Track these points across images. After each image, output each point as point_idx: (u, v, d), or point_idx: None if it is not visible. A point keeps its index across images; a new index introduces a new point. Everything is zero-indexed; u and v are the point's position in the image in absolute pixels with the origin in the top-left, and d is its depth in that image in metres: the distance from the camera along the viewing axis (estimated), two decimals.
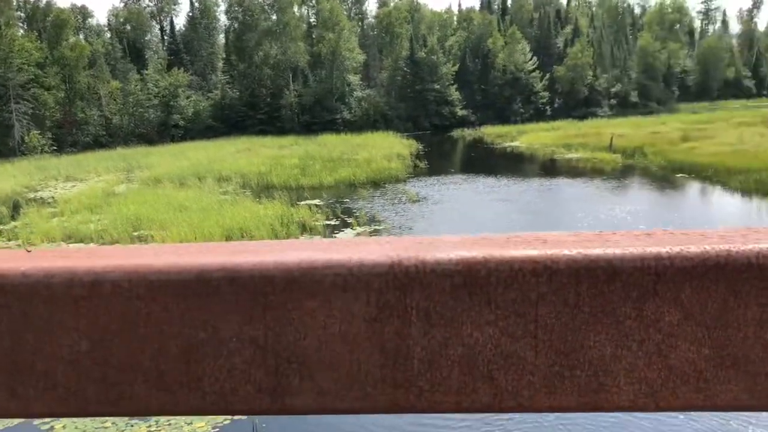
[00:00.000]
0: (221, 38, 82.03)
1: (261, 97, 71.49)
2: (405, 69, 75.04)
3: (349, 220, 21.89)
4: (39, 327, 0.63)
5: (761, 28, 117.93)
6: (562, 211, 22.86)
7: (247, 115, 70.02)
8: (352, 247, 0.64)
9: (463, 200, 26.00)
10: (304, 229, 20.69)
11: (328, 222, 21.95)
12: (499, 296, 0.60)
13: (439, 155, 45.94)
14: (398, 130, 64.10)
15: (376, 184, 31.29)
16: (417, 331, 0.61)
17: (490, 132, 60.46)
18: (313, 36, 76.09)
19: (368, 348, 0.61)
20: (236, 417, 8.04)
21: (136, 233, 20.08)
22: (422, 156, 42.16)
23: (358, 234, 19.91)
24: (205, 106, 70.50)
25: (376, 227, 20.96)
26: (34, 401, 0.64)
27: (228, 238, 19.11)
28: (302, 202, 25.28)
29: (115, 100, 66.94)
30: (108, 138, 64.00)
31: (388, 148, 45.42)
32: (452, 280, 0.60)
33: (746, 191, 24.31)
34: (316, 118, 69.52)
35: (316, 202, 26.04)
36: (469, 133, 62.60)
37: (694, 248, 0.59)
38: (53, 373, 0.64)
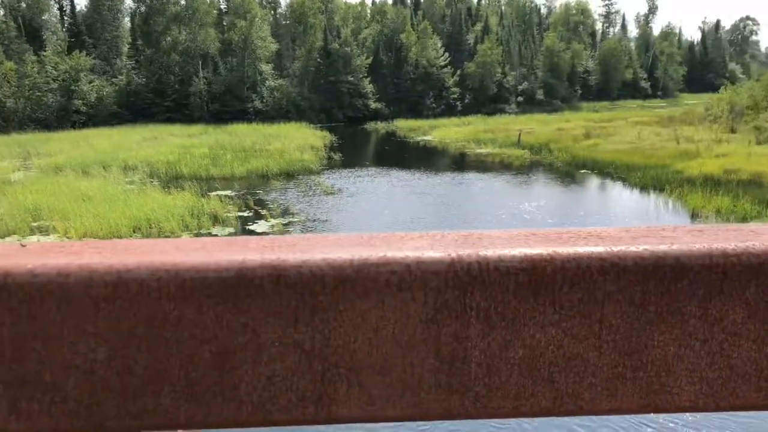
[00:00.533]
0: (126, 21, 78.61)
1: (169, 83, 69.10)
2: (318, 60, 74.47)
3: (263, 212, 21.57)
4: (48, 332, 0.56)
5: (656, 32, 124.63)
6: (474, 204, 23.40)
7: (154, 102, 67.53)
8: (407, 243, 0.60)
9: (378, 193, 26.14)
10: (216, 220, 20.21)
11: (240, 213, 21.54)
12: (564, 296, 0.57)
13: (353, 148, 45.98)
14: (311, 122, 63.57)
15: (290, 175, 30.99)
16: (476, 332, 0.57)
17: (403, 125, 60.99)
18: (224, 23, 74.20)
19: (423, 351, 0.58)
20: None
21: (35, 223, 19.01)
22: (336, 148, 42.05)
23: (272, 226, 19.66)
24: (109, 92, 67.42)
25: (291, 219, 20.76)
26: (39, 416, 0.57)
27: (135, 230, 18.41)
28: (213, 193, 24.68)
29: (9, 82, 62.91)
30: (1, 123, 60.13)
31: (302, 139, 45.02)
32: (516, 279, 0.57)
33: (644, 187, 25.66)
34: (227, 106, 67.92)
35: (228, 192, 25.50)
36: (382, 126, 62.93)
37: (759, 245, 0.58)
38: (63, 384, 0.57)
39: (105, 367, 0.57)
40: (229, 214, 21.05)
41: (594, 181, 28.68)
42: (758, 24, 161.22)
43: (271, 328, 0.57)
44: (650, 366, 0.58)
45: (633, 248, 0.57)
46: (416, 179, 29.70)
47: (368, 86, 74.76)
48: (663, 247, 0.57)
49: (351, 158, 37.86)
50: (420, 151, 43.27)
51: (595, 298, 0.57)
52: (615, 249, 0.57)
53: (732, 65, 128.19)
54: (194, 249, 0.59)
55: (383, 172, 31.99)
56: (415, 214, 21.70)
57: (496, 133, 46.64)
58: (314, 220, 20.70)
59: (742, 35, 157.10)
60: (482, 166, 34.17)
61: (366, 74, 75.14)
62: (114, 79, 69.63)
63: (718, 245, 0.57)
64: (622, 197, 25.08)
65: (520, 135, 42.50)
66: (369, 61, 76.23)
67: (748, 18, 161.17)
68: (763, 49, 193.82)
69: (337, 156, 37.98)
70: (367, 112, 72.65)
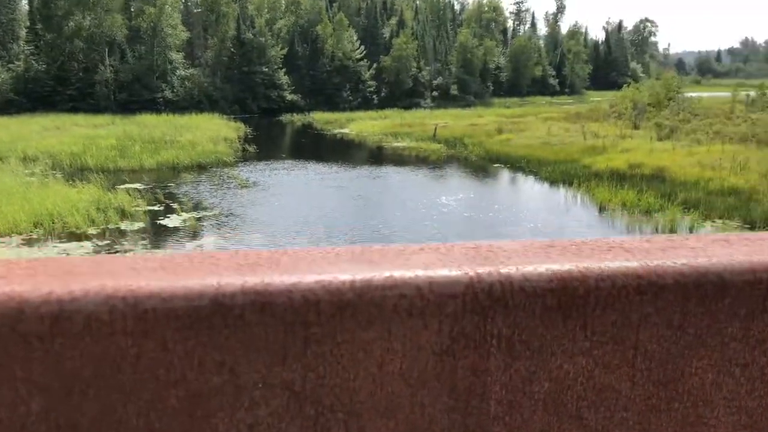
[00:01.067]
0: (24, 4, 74.12)
1: (72, 71, 65.69)
2: (232, 49, 72.75)
3: (174, 206, 20.85)
4: None
5: (564, 31, 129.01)
6: (393, 198, 23.43)
7: (56, 90, 64.04)
8: (412, 258, 0.52)
9: (295, 186, 25.78)
10: (124, 215, 19.35)
11: (150, 207, 20.72)
12: (596, 319, 0.51)
13: (269, 140, 45.18)
14: (224, 113, 62.02)
15: (202, 167, 30.18)
16: (496, 364, 0.51)
17: (319, 118, 60.54)
18: (132, 9, 71.26)
19: (436, 388, 0.50)
20: None
21: None
22: (251, 140, 41.23)
23: (184, 221, 19.00)
24: (5, 78, 63.45)
25: (204, 213, 20.17)
26: None
27: (36, 225, 17.33)
28: (121, 186, 23.65)
29: None
30: None
31: (214, 130, 43.88)
32: (544, 301, 0.50)
33: (554, 181, 26.45)
34: (135, 96, 65.27)
35: (137, 186, 24.51)
36: (298, 118, 62.22)
37: None
38: None
39: (40, 420, 0.45)
40: (138, 208, 20.22)
41: (507, 175, 29.34)
42: (656, 26, 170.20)
43: (253, 366, 0.47)
44: (686, 396, 0.53)
45: (671, 263, 0.51)
46: (334, 172, 29.50)
47: (283, 77, 73.69)
48: (703, 262, 0.51)
49: (266, 151, 37.20)
50: (337, 144, 43.05)
51: (630, 321, 0.51)
52: (652, 264, 0.51)
53: (633, 64, 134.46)
54: (153, 270, 0.49)
55: (300, 165, 31.61)
56: (335, 207, 21.53)
57: (413, 127, 47.04)
58: (228, 215, 20.17)
59: (642, 36, 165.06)
60: (400, 159, 34.33)
61: (281, 65, 74.03)
62: (10, 65, 65.59)
63: (760, 258, 0.52)
64: (534, 191, 25.80)
65: (435, 129, 43.00)
66: (284, 52, 75.14)
67: (647, 20, 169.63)
68: (660, 49, 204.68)
69: (251, 148, 37.23)
70: (282, 104, 71.60)
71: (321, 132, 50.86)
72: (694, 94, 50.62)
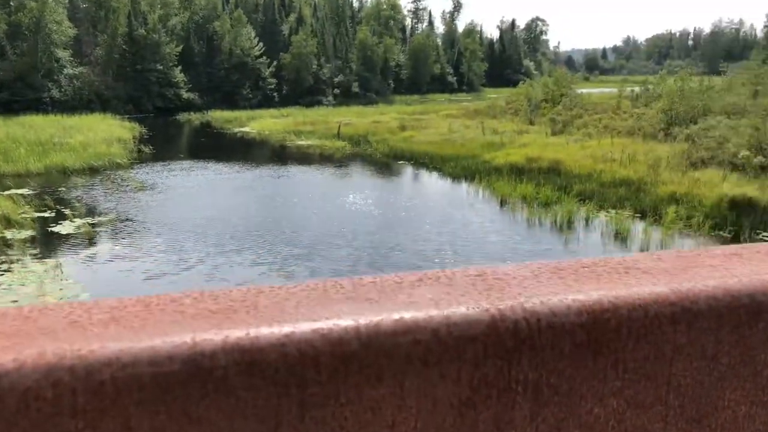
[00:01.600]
0: None
1: None
2: (123, 47, 69.68)
3: (66, 212, 19.72)
4: None
5: (460, 29, 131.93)
6: (300, 198, 23.12)
7: None
8: (416, 293, 0.46)
9: (195, 188, 24.97)
10: (9, 223, 18.08)
11: (39, 214, 19.49)
12: (628, 354, 0.46)
13: (165, 140, 43.62)
14: (117, 112, 59.40)
15: (95, 170, 28.78)
16: (522, 414, 0.46)
17: (218, 116, 59.04)
18: (11, 3, 66.84)
19: None
20: None
21: None
22: (146, 140, 39.71)
23: (78, 227, 17.97)
24: None
25: (99, 219, 19.19)
26: None
27: None
28: (5, 192, 22.14)
29: None
30: None
31: (107, 131, 41.91)
32: (573, 339, 0.45)
33: (456, 176, 26.97)
34: (17, 95, 61.33)
35: (23, 191, 23.03)
36: (196, 117, 60.46)
37: None
38: None
39: None
40: (25, 215, 18.98)
41: (411, 172, 29.66)
42: (547, 24, 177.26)
43: None
44: (719, 431, 0.49)
45: (702, 286, 0.47)
46: (236, 172, 28.85)
47: (179, 75, 71.34)
48: (734, 283, 0.47)
49: (164, 151, 35.89)
50: (239, 143, 42.13)
51: (663, 354, 0.47)
52: (683, 288, 0.47)
53: (527, 62, 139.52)
54: (104, 324, 0.40)
55: (200, 166, 30.70)
56: (239, 209, 21.00)
57: (316, 125, 46.72)
58: (125, 219, 19.28)
59: (534, 34, 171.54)
60: (304, 158, 34.01)
61: (176, 63, 71.63)
62: None
63: None
64: (438, 186, 26.20)
65: (339, 127, 42.88)
66: (179, 49, 72.74)
67: (538, 18, 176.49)
68: (551, 47, 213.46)
69: (147, 149, 35.80)
70: (179, 103, 69.33)
71: (221, 131, 49.62)
72: (584, 91, 53.00)
